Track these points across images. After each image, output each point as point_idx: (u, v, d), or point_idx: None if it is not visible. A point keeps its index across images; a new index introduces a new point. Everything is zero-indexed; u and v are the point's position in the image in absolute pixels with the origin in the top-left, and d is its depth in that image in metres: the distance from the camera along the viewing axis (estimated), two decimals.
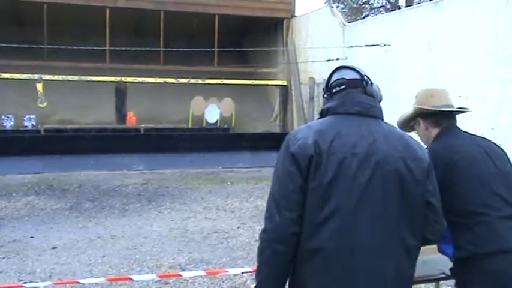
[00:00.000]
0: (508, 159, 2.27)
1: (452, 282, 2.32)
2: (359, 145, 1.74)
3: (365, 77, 1.90)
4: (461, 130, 2.33)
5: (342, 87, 1.89)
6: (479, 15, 7.81)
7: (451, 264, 2.23)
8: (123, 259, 5.21)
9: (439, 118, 2.32)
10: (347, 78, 1.90)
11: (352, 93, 1.87)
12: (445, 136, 2.27)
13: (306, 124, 1.92)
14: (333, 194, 1.70)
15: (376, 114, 1.87)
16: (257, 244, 1.81)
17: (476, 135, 2.34)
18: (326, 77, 1.99)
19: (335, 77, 1.94)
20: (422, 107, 2.32)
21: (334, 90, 1.91)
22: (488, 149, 2.24)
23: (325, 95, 1.96)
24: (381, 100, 1.95)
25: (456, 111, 2.36)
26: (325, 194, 1.70)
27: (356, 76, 1.90)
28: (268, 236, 1.74)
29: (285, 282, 1.80)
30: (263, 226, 1.78)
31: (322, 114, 1.91)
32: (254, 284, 1.85)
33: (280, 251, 1.72)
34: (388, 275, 1.72)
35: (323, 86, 2.00)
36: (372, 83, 1.91)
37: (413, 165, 1.78)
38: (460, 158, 2.09)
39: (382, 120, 1.89)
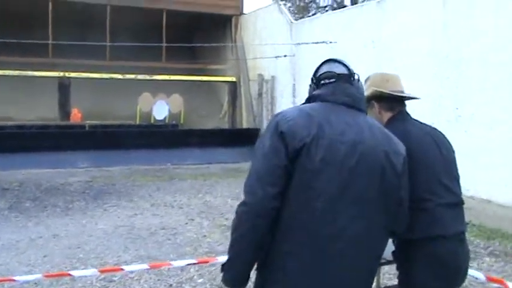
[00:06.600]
0: (452, 149, 2.39)
1: (389, 267, 2.40)
2: (346, 133, 1.79)
3: (353, 73, 1.95)
4: (411, 117, 2.41)
5: (332, 80, 1.92)
6: (417, 16, 8.08)
7: (392, 249, 2.30)
8: (65, 258, 5.06)
9: (393, 103, 2.38)
10: (337, 72, 1.94)
11: (343, 85, 1.91)
12: (400, 121, 2.33)
13: (295, 106, 1.95)
14: (319, 177, 1.73)
15: (362, 108, 1.94)
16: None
17: (425, 124, 2.43)
18: (315, 70, 2.02)
19: (324, 69, 1.97)
20: (380, 89, 2.36)
21: (322, 82, 1.95)
22: (436, 138, 2.34)
23: (312, 84, 1.99)
24: (364, 96, 2.02)
25: (410, 97, 2.45)
26: (312, 177, 1.73)
27: (345, 71, 1.94)
28: (249, 209, 1.75)
29: (255, 259, 1.80)
30: (242, 200, 1.79)
31: (310, 100, 1.95)
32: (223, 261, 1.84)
33: (260, 225, 1.74)
34: (364, 264, 1.78)
35: (312, 78, 2.01)
36: (358, 79, 1.97)
37: (394, 159, 1.85)
38: (416, 146, 2.16)
39: (366, 114, 1.97)
